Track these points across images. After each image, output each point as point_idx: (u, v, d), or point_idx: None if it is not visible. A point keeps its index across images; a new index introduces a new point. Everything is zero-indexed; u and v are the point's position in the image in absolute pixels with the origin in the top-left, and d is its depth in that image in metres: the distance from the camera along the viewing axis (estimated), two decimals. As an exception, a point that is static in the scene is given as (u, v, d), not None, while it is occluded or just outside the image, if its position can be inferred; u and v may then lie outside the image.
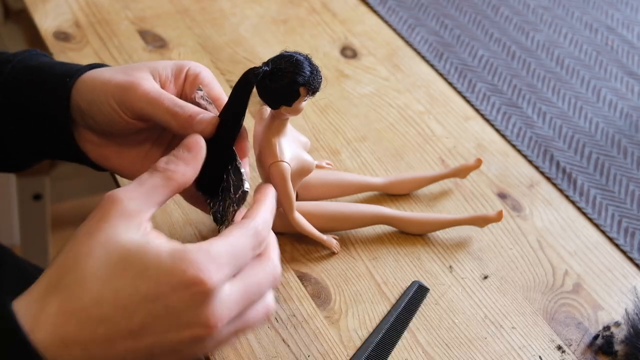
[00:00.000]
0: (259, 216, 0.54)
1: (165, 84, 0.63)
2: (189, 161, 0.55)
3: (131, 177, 0.66)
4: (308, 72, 0.59)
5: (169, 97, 0.60)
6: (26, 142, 0.67)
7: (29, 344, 0.47)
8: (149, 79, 0.62)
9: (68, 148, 0.66)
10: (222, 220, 0.60)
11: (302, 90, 0.59)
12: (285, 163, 0.63)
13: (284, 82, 0.59)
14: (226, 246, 0.50)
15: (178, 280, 0.48)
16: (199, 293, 0.48)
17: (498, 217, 0.70)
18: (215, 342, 0.50)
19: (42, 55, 0.69)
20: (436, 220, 0.71)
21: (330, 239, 0.68)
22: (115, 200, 0.51)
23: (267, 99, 0.61)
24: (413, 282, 0.67)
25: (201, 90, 0.62)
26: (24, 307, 0.49)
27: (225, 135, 0.60)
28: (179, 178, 0.54)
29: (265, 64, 0.59)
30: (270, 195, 0.56)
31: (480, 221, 0.70)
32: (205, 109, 0.61)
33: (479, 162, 0.74)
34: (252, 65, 0.59)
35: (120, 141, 0.65)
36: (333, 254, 0.69)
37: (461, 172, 0.75)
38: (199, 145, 0.55)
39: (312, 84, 0.60)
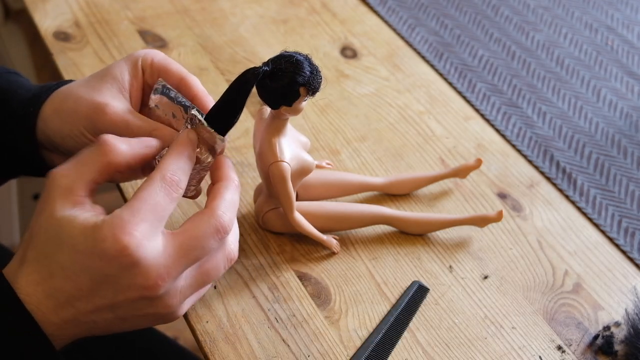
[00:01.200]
0: (166, 163, 0.54)
1: (128, 88, 0.63)
2: (131, 142, 0.56)
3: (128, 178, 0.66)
4: (308, 72, 0.59)
5: (136, 123, 0.60)
6: None
7: (26, 311, 0.52)
8: (114, 100, 0.61)
9: (42, 171, 0.66)
10: None
11: (302, 90, 0.60)
12: (285, 163, 0.63)
13: (284, 82, 0.59)
14: (137, 205, 0.52)
15: (101, 253, 0.51)
16: (123, 260, 0.51)
17: (498, 217, 0.70)
18: (174, 299, 0.53)
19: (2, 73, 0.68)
20: (436, 220, 0.71)
21: (330, 239, 0.68)
22: (52, 178, 0.54)
23: (267, 98, 0.61)
24: (413, 282, 0.67)
25: (158, 84, 0.60)
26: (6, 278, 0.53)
27: (218, 127, 0.58)
28: (112, 156, 0.54)
29: (266, 64, 0.59)
30: (180, 141, 0.56)
31: (480, 221, 0.70)
32: (168, 114, 0.60)
33: (479, 162, 0.74)
34: (252, 65, 0.59)
35: None
36: (333, 254, 0.69)
37: (461, 172, 0.75)
38: (151, 139, 0.57)
39: (312, 84, 0.60)
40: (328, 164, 0.75)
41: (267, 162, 0.63)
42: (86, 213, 0.53)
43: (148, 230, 0.52)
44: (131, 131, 0.59)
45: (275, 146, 0.63)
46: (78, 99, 0.61)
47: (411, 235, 0.71)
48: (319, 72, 0.60)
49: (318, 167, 0.74)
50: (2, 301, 0.52)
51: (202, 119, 0.57)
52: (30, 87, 0.66)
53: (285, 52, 0.60)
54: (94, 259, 0.51)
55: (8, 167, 0.68)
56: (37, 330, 0.52)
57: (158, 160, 0.58)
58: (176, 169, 0.54)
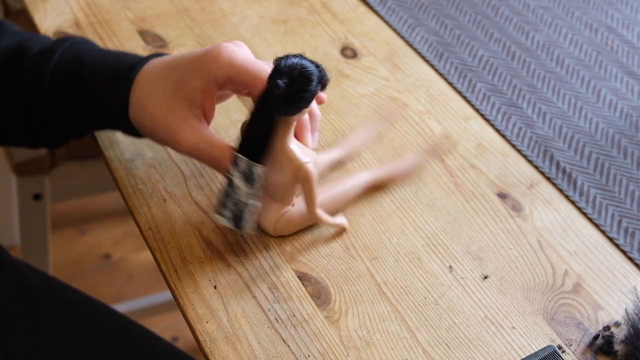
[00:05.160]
0: None
1: (201, 105, 0.67)
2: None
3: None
4: (317, 72, 0.62)
5: (205, 150, 0.65)
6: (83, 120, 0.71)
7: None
8: (185, 126, 0.66)
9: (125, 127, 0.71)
10: (240, 215, 0.65)
11: (320, 89, 0.63)
12: (311, 164, 0.65)
13: (309, 93, 0.62)
14: None
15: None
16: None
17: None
18: None
19: (82, 44, 0.72)
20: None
21: (341, 220, 0.70)
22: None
23: (288, 112, 0.63)
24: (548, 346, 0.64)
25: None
26: None
27: (254, 157, 0.64)
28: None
29: (276, 86, 0.60)
30: None
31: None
32: None
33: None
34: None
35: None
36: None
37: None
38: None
39: (324, 79, 0.63)
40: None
41: (292, 168, 0.65)
42: None
43: None
44: (201, 156, 0.66)
45: (293, 151, 0.65)
46: (154, 118, 0.66)
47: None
48: (319, 64, 0.63)
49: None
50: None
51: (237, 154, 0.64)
52: (113, 59, 0.70)
53: (282, 63, 0.61)
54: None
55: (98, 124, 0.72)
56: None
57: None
58: None
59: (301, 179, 0.65)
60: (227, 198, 0.64)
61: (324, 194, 0.71)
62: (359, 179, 0.73)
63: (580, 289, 0.68)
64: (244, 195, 0.63)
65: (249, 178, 0.63)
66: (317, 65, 0.62)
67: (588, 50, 0.96)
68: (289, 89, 0.61)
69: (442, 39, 0.95)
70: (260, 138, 0.63)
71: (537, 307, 0.66)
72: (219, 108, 0.76)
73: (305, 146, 0.68)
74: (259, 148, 0.63)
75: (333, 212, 0.71)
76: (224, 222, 0.64)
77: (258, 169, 0.63)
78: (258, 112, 0.63)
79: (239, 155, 0.63)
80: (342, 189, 0.72)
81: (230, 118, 0.80)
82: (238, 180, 0.63)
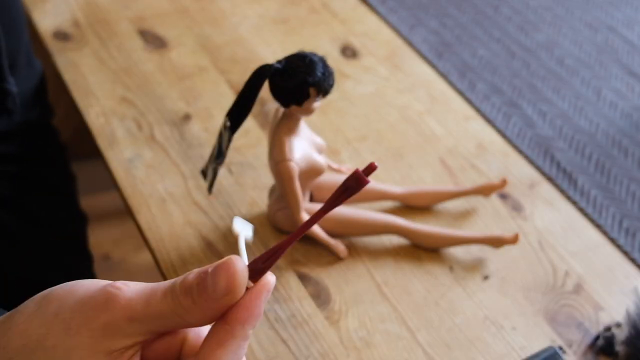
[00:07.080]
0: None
1: None
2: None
3: None
4: (319, 74, 0.60)
5: None
6: None
7: None
8: None
9: None
10: (206, 176, 0.67)
11: (312, 90, 0.60)
12: (293, 163, 0.63)
13: (295, 81, 0.59)
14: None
15: None
16: None
17: (514, 240, 0.68)
18: None
19: None
20: (451, 237, 0.69)
21: (338, 244, 0.68)
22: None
23: (278, 96, 0.61)
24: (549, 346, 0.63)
25: None
26: None
27: (232, 122, 0.61)
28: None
29: (279, 61, 0.59)
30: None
31: (496, 242, 0.68)
32: None
33: (503, 183, 0.73)
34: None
35: None
36: (338, 258, 0.68)
37: (485, 191, 0.73)
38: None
39: (322, 86, 0.60)
40: (349, 169, 0.75)
41: (276, 160, 0.63)
42: None
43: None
44: None
45: (285, 145, 0.63)
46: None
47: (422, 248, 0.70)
48: (332, 74, 0.61)
49: (337, 170, 0.73)
50: None
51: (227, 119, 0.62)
52: None
53: (302, 52, 0.60)
54: None
55: None
56: None
57: None
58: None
59: (277, 175, 0.64)
60: (210, 160, 0.66)
61: (337, 211, 0.67)
62: (388, 218, 0.69)
63: (581, 290, 0.68)
64: (214, 157, 0.64)
65: (229, 141, 0.63)
66: (324, 73, 0.60)
67: (588, 49, 0.96)
68: (280, 71, 0.59)
69: (442, 38, 0.95)
70: (243, 108, 0.61)
71: (538, 307, 0.66)
72: (222, 110, 0.76)
73: (317, 152, 0.66)
74: (240, 116, 0.62)
75: (339, 234, 0.69)
76: (206, 182, 0.67)
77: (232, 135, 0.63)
78: (246, 86, 0.61)
79: (228, 119, 0.62)
80: (361, 217, 0.68)
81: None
82: (224, 142, 0.63)
